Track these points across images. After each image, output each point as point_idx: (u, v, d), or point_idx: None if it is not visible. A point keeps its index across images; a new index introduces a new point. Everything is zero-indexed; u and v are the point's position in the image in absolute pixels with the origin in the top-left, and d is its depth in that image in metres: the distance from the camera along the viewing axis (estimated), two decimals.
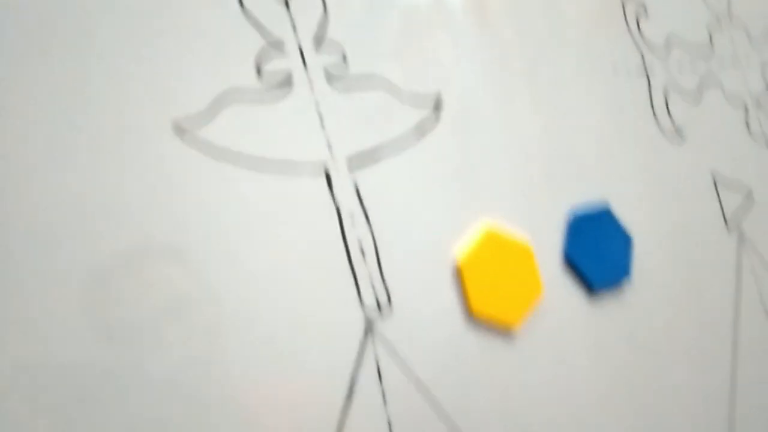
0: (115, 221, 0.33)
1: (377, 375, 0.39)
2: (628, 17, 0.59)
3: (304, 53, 0.41)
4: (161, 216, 0.35)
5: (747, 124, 0.66)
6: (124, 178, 0.34)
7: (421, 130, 0.45)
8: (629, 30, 0.59)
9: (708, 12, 0.67)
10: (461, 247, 0.44)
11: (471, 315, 0.43)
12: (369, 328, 0.39)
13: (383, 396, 0.39)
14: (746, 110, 0.66)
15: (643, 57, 0.59)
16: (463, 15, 0.49)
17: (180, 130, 0.36)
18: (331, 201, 0.40)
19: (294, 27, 0.41)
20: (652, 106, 0.58)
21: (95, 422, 0.31)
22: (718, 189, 0.61)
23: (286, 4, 0.41)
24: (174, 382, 0.33)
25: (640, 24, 0.60)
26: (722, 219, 0.60)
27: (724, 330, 0.58)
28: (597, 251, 0.50)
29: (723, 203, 0.61)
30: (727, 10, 0.69)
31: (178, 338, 0.33)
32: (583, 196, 0.51)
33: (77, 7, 0.34)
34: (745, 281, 0.60)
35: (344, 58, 0.42)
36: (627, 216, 0.53)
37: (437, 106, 0.46)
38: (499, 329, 0.44)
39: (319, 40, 0.42)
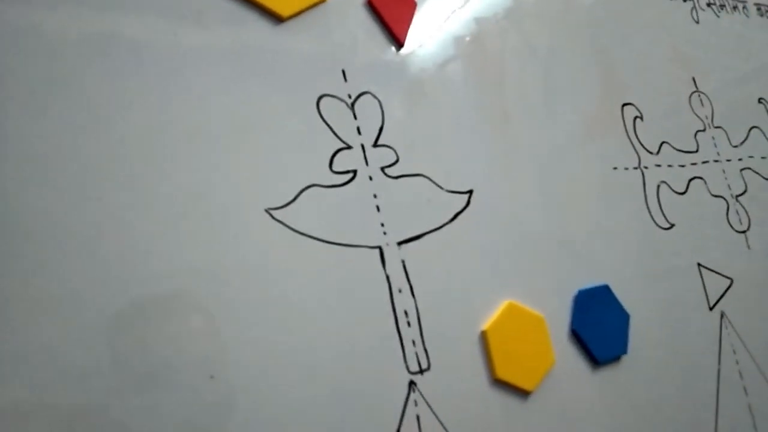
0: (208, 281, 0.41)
1: (419, 430, 0.46)
2: (626, 121, 0.69)
3: (366, 152, 0.50)
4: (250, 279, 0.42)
5: (727, 218, 0.75)
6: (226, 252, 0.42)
7: (455, 219, 0.53)
8: (626, 132, 0.69)
9: (695, 118, 0.77)
10: (487, 318, 0.52)
11: (495, 378, 0.50)
12: (412, 388, 0.46)
13: None
14: (727, 206, 0.76)
15: (638, 155, 0.69)
16: (488, 123, 0.58)
17: (271, 212, 0.44)
18: (383, 274, 0.48)
19: (358, 130, 0.50)
20: (646, 200, 0.67)
21: None
22: (702, 273, 0.69)
23: (353, 113, 0.50)
24: None
25: (636, 127, 0.70)
26: (705, 300, 0.69)
27: (708, 399, 0.65)
28: (600, 326, 0.58)
29: (706, 286, 0.69)
30: (711, 117, 0.79)
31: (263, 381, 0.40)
32: (586, 277, 0.60)
33: (199, 114, 0.43)
34: (726, 357, 0.68)
35: (397, 158, 0.51)
36: (623, 296, 0.61)
37: (469, 201, 0.54)
38: (517, 391, 0.51)
39: (377, 142, 0.51)
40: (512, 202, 0.57)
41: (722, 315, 0.70)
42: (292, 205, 0.45)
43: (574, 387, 0.55)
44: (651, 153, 0.70)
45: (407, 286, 0.49)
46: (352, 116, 0.50)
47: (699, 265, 0.69)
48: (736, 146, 0.81)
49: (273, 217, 0.44)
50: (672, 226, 0.69)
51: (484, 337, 0.51)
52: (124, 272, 0.38)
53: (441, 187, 0.53)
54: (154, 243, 0.40)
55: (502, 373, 0.50)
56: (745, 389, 0.69)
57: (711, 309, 0.69)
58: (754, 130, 0.84)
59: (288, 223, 0.44)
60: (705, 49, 0.83)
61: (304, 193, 0.46)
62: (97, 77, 0.40)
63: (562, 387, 0.54)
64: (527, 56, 0.64)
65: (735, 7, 0.92)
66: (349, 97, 0.51)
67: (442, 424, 0.47)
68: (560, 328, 0.56)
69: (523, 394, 0.52)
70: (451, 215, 0.53)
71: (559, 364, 0.55)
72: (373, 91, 0.52)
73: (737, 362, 0.69)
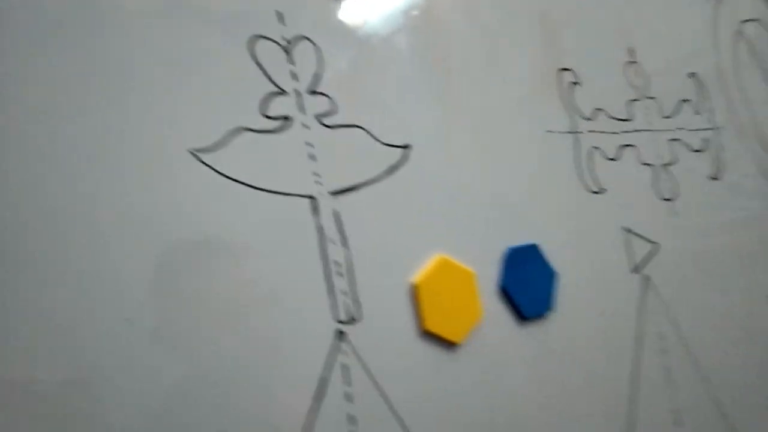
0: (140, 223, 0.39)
1: (346, 377, 0.46)
2: (563, 86, 0.70)
3: (302, 99, 0.49)
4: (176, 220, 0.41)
5: (655, 186, 0.78)
6: (143, 189, 0.40)
7: (391, 172, 0.53)
8: (563, 97, 0.70)
9: (629, 87, 0.79)
10: (418, 272, 0.52)
11: (424, 330, 0.51)
12: (340, 337, 0.46)
13: (349, 396, 0.46)
14: (655, 174, 0.78)
15: (573, 120, 0.70)
16: (430, 82, 0.58)
17: (196, 155, 0.42)
18: (315, 223, 0.47)
19: (294, 76, 0.49)
20: (577, 164, 0.69)
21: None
22: (628, 237, 0.72)
23: (290, 58, 0.48)
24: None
25: (573, 93, 0.71)
26: (629, 263, 0.71)
27: (627, 355, 0.68)
28: (528, 283, 0.59)
29: (631, 250, 0.72)
30: (645, 87, 0.81)
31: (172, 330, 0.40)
32: (517, 236, 0.61)
33: (124, 50, 0.41)
34: (647, 318, 0.71)
35: (334, 107, 0.50)
36: (552, 255, 0.63)
37: (405, 155, 0.54)
38: (445, 343, 0.52)
39: (314, 89, 0.49)
40: (449, 159, 0.58)
41: (646, 278, 0.72)
42: (220, 149, 0.44)
43: (501, 340, 0.57)
44: (585, 119, 0.72)
45: (340, 237, 0.48)
46: (288, 61, 0.49)
47: (625, 229, 0.72)
48: (667, 117, 0.83)
49: (199, 160, 0.43)
50: (602, 190, 0.71)
51: (414, 289, 0.51)
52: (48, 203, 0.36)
53: (378, 140, 0.53)
54: (74, 183, 0.38)
55: (431, 325, 0.51)
56: (663, 350, 0.72)
57: (635, 272, 0.72)
58: (685, 103, 0.87)
59: (215, 167, 0.43)
60: (645, 21, 0.85)
61: (233, 137, 0.44)
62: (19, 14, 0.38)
63: (489, 340, 0.56)
64: (471, 17, 0.64)
65: None
66: (286, 41, 0.49)
67: (370, 372, 0.47)
68: (490, 284, 0.58)
69: (450, 346, 0.53)
70: (386, 168, 0.53)
71: (487, 319, 0.56)
72: (312, 38, 0.51)
73: (658, 324, 0.72)
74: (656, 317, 0.72)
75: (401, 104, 0.55)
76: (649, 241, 0.74)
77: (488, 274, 0.58)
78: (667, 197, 0.79)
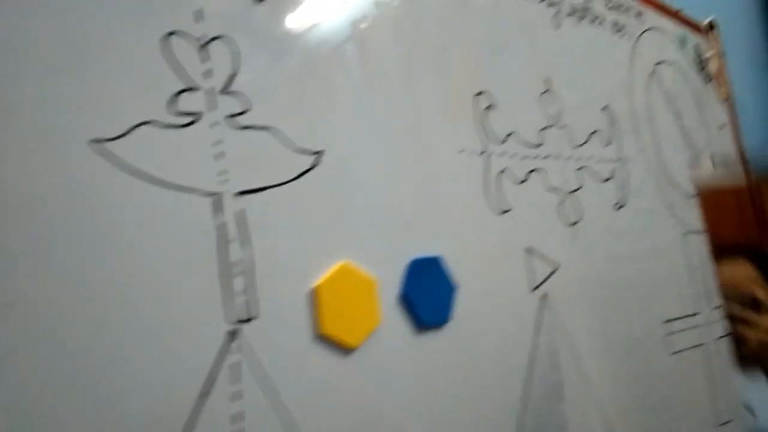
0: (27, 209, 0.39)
1: (235, 376, 0.46)
2: (478, 109, 0.73)
3: (214, 97, 0.49)
4: (67, 211, 0.40)
5: (559, 210, 0.82)
6: (36, 175, 0.39)
7: (301, 177, 0.54)
8: (477, 119, 0.73)
9: (543, 115, 0.83)
10: (320, 276, 0.53)
11: (321, 333, 0.52)
12: (232, 336, 0.47)
13: (237, 395, 0.46)
14: (561, 199, 0.83)
15: (485, 142, 0.73)
16: (350, 92, 0.60)
17: (95, 145, 0.42)
18: (215, 221, 0.48)
19: (208, 73, 0.49)
20: (486, 185, 0.72)
21: None
22: (530, 257, 0.75)
23: (204, 55, 0.49)
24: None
25: (488, 116, 0.74)
26: (529, 282, 0.75)
27: (519, 371, 0.71)
28: (428, 294, 0.61)
29: (532, 269, 0.75)
30: (558, 116, 0.86)
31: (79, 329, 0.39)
32: (422, 248, 0.63)
33: (30, 32, 0.40)
34: (543, 335, 0.75)
35: (247, 108, 0.51)
36: (454, 268, 0.65)
37: (317, 160, 0.55)
38: (341, 347, 0.53)
39: (228, 88, 0.50)
40: (362, 169, 0.59)
41: (544, 296, 0.76)
42: (122, 139, 0.44)
43: (397, 347, 0.58)
44: (497, 142, 0.75)
45: (242, 237, 0.49)
46: (202, 58, 0.49)
47: (527, 249, 0.76)
48: (577, 146, 0.88)
49: (98, 150, 0.42)
50: (507, 211, 0.74)
51: (314, 293, 0.52)
52: None
53: (290, 144, 0.54)
54: None
55: (328, 329, 0.52)
56: (557, 365, 0.76)
57: (533, 290, 0.75)
58: (595, 134, 0.93)
59: (115, 158, 0.43)
60: (562, 53, 0.90)
61: (137, 129, 0.44)
62: None
63: (385, 346, 0.57)
64: (395, 34, 0.66)
65: (594, 20, 1.00)
66: (202, 38, 0.50)
67: (262, 372, 0.48)
68: (392, 292, 0.59)
69: (346, 349, 0.54)
70: (298, 173, 0.54)
71: (385, 325, 0.57)
72: (231, 37, 0.51)
73: (553, 341, 0.76)
74: (551, 335, 0.76)
75: (317, 111, 0.57)
76: (549, 263, 0.78)
77: (391, 283, 0.59)
78: (571, 221, 0.83)
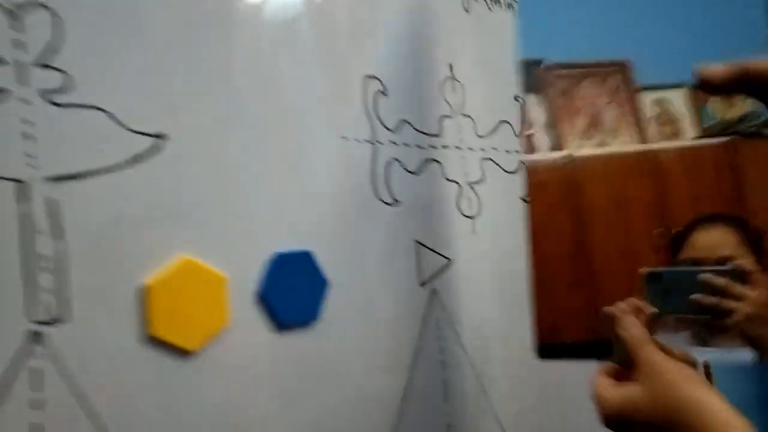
0: None
1: (36, 383, 0.41)
2: (367, 93, 0.69)
3: (26, 72, 0.43)
4: None
5: (458, 203, 0.79)
6: None
7: (136, 162, 0.49)
8: (365, 104, 0.68)
9: (443, 103, 0.79)
10: (155, 272, 0.48)
11: (151, 335, 0.47)
12: (35, 339, 0.42)
13: (38, 403, 0.41)
14: (460, 191, 0.79)
15: (373, 129, 0.69)
16: (205, 70, 0.54)
17: None
18: (18, 210, 0.42)
19: (20, 44, 0.43)
20: (372, 174, 0.68)
21: None
22: (419, 250, 0.72)
23: (16, 24, 0.43)
24: None
25: (377, 101, 0.70)
26: (418, 277, 0.71)
27: (401, 371, 0.68)
28: (293, 291, 0.57)
29: (422, 263, 0.72)
30: (461, 105, 0.82)
31: None
32: (291, 241, 0.59)
33: None
34: (429, 332, 0.72)
35: (70, 84, 0.45)
36: (329, 263, 0.61)
37: (157, 145, 0.50)
38: (176, 351, 0.49)
39: (44, 62, 0.44)
40: (216, 155, 0.54)
41: (433, 291, 0.73)
42: None
43: (251, 349, 0.54)
44: (388, 129, 0.71)
45: (54, 228, 0.44)
46: (13, 27, 0.43)
47: (417, 242, 0.72)
48: (481, 136, 0.85)
49: None
50: (396, 201, 0.70)
51: (146, 292, 0.48)
52: None
53: (123, 125, 0.48)
54: None
55: (160, 331, 0.48)
56: (443, 363, 0.73)
57: (422, 285, 0.72)
58: (504, 124, 0.89)
59: None
60: (469, 38, 0.86)
61: None
62: None
63: (236, 349, 0.53)
64: (266, 12, 0.61)
65: (509, 5, 0.96)
66: (14, 5, 0.44)
67: (70, 379, 0.43)
68: (249, 290, 0.55)
69: (183, 353, 0.49)
70: (129, 156, 0.49)
71: (237, 326, 0.53)
72: (52, 6, 0.46)
73: (441, 338, 0.73)
74: (440, 332, 0.73)
75: (163, 91, 0.51)
76: (442, 256, 0.75)
77: (248, 280, 0.55)
78: (468, 214, 0.80)
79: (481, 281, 0.80)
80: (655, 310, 0.66)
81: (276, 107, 0.59)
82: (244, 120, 0.57)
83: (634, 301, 0.57)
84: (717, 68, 0.38)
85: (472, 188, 0.81)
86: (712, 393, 0.38)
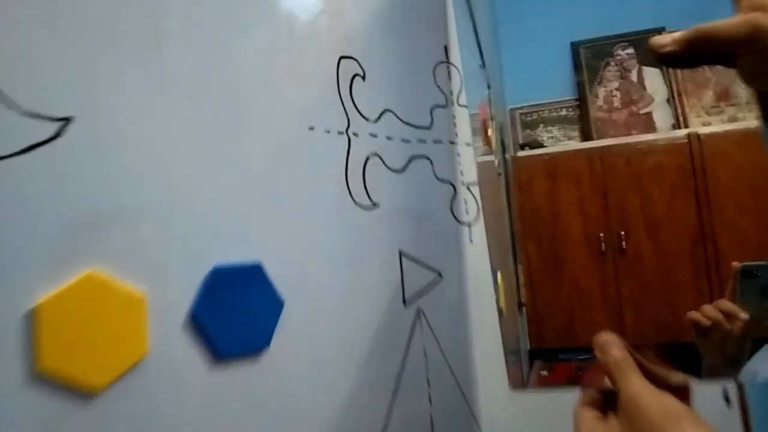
0: None
1: None
2: (340, 76, 0.58)
3: None
4: None
5: (451, 206, 0.68)
6: None
7: (31, 150, 0.38)
8: (339, 89, 0.58)
9: (436, 91, 0.69)
10: (46, 292, 0.38)
11: (38, 371, 0.37)
12: None
13: None
14: (454, 193, 0.68)
15: (348, 119, 0.58)
16: (138, 43, 0.44)
17: None
18: None
19: None
20: (346, 171, 0.57)
21: None
22: (403, 263, 0.61)
23: None
24: None
25: (354, 86, 0.59)
26: (401, 293, 0.61)
27: (383, 404, 0.57)
28: (236, 313, 0.47)
29: (405, 277, 0.61)
30: (458, 93, 0.71)
31: None
32: (238, 251, 0.48)
33: None
34: (413, 357, 0.61)
35: None
36: (285, 278, 0.50)
37: (64, 129, 0.40)
38: (75, 390, 0.38)
39: None
40: (143, 143, 0.44)
41: (418, 312, 0.62)
42: None
43: (176, 387, 0.44)
44: (366, 119, 0.60)
45: None
46: None
47: (401, 253, 0.61)
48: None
49: None
50: (375, 204, 0.59)
51: (33, 315, 0.37)
52: None
53: (16, 106, 0.38)
54: None
55: (52, 364, 0.37)
56: (429, 399, 0.62)
57: (405, 305, 0.61)
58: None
59: None
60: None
61: None
62: None
63: (155, 387, 0.42)
64: None
65: None
66: None
67: None
68: (178, 312, 0.44)
69: (84, 393, 0.39)
70: (26, 145, 0.39)
71: (159, 357, 0.42)
72: None
73: (427, 369, 0.62)
74: (427, 361, 0.62)
75: (69, 64, 0.41)
76: (430, 270, 0.64)
77: (177, 300, 0.44)
78: (463, 220, 0.69)
79: (473, 298, 0.69)
80: (746, 314, 0.56)
81: (222, 87, 0.49)
82: (179, 102, 0.46)
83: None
84: (667, 38, 0.35)
85: (468, 189, 0.70)
86: None
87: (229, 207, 0.48)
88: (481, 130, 1.16)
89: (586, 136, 2.14)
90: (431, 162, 0.66)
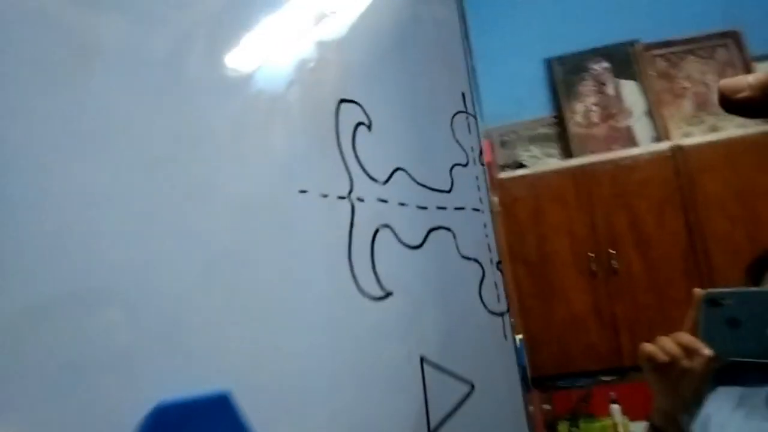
0: None
1: None
2: (341, 125, 0.44)
3: None
4: None
5: (480, 292, 0.52)
6: None
7: None
8: (339, 142, 0.43)
9: (455, 146, 0.55)
10: None
11: None
12: None
13: None
14: (482, 274, 0.53)
15: (351, 179, 0.44)
16: (62, 62, 0.29)
17: None
18: None
19: None
20: (350, 249, 0.42)
21: None
22: (426, 373, 0.45)
23: None
24: None
25: (357, 137, 0.45)
26: (425, 415, 0.44)
27: None
28: None
29: (429, 392, 0.45)
30: (480, 149, 0.58)
31: None
32: (190, 379, 0.31)
33: None
34: None
35: None
36: (263, 409, 0.34)
37: None
38: None
39: None
40: (65, 201, 0.28)
41: None
42: None
43: None
44: (374, 179, 0.46)
45: None
46: None
47: (423, 360, 0.45)
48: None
49: None
50: (388, 294, 0.44)
51: None
52: None
53: None
54: None
55: None
56: None
57: (431, 431, 0.44)
58: None
59: None
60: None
61: None
62: None
63: None
64: None
65: None
66: None
67: None
68: None
69: None
70: None
71: None
72: None
73: None
74: None
75: None
76: (460, 380, 0.48)
77: None
78: (496, 310, 0.53)
79: (511, 413, 0.52)
80: (710, 350, 0.46)
81: (173, 130, 0.34)
82: (116, 152, 0.31)
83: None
84: (741, 81, 0.29)
85: (499, 269, 0.55)
86: None
87: (183, 310, 0.32)
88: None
89: (566, 154, 2.07)
90: (454, 235, 0.51)
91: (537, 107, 2.08)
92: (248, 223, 0.36)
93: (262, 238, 0.36)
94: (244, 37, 0.39)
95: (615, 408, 1.91)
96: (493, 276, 0.54)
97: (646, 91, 1.88)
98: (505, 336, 0.53)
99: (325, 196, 0.41)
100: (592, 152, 2.00)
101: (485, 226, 0.55)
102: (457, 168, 0.54)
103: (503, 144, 2.17)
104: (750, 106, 0.30)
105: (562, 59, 2.03)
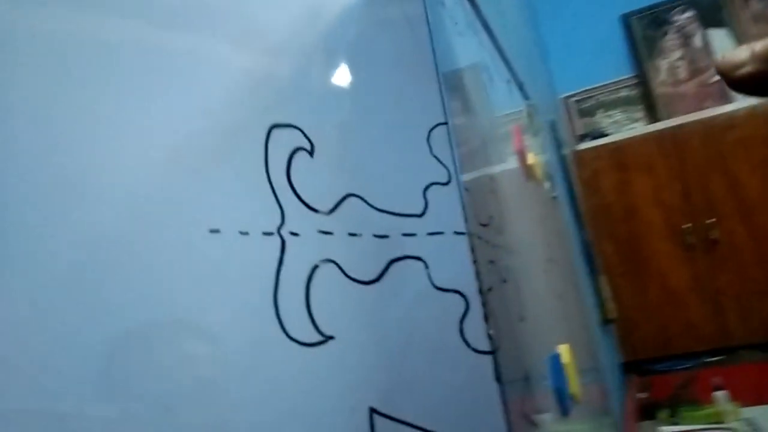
0: None
1: None
2: (270, 150, 0.40)
3: None
4: None
5: (461, 327, 0.46)
6: None
7: None
8: (267, 167, 0.39)
9: (433, 162, 0.49)
10: None
11: None
12: None
13: None
14: (466, 306, 0.47)
15: (282, 211, 0.39)
16: None
17: None
18: None
19: None
20: (276, 293, 0.38)
21: None
22: (376, 427, 0.39)
23: None
24: None
25: (294, 162, 0.41)
26: None
27: None
28: None
29: None
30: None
31: None
32: None
33: None
34: None
35: None
36: None
37: None
38: None
39: None
40: None
41: None
42: None
43: None
44: (314, 210, 0.41)
45: None
46: None
47: (372, 411, 0.40)
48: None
49: None
50: (328, 339, 0.39)
51: None
52: None
53: None
54: None
55: None
56: None
57: None
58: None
59: None
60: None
61: None
62: None
63: None
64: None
65: None
66: None
67: None
68: None
69: None
70: None
71: None
72: None
73: None
74: None
75: None
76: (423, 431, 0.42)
77: None
78: (481, 348, 0.47)
79: None
80: None
81: (70, 160, 0.31)
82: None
83: None
84: (741, 53, 0.26)
85: (484, 297, 0.48)
86: None
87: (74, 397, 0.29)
88: (518, 161, 0.95)
89: (652, 117, 1.87)
90: (426, 264, 0.45)
91: (616, 69, 1.91)
92: (151, 275, 0.32)
93: (165, 291, 0.33)
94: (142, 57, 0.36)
95: (719, 395, 1.70)
96: (476, 307, 0.47)
97: (739, 38, 1.66)
98: (498, 378, 0.46)
99: (245, 233, 0.37)
100: (683, 113, 1.81)
101: (472, 250, 0.49)
102: (434, 188, 0.49)
103: (582, 112, 2.01)
104: (756, 82, 0.25)
105: (640, 13, 1.85)
